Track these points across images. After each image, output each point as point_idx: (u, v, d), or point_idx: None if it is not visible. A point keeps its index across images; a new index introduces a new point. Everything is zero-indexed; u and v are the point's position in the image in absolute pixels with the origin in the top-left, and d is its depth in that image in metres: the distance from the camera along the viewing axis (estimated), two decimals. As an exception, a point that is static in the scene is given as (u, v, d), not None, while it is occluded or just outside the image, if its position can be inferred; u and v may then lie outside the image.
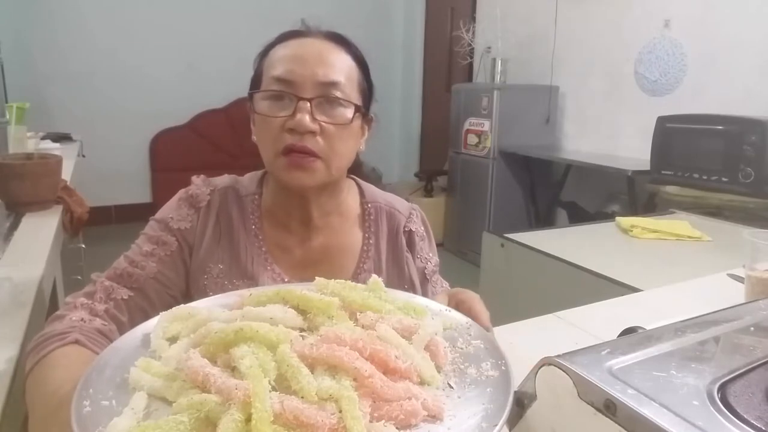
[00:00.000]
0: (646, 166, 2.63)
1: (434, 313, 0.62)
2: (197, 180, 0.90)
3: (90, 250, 2.32)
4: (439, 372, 0.52)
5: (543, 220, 3.91)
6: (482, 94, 3.78)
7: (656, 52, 3.22)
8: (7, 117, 2.19)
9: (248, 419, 0.41)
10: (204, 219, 0.87)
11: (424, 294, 0.92)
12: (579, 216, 3.55)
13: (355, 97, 0.83)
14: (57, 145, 2.88)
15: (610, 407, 0.42)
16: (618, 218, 1.92)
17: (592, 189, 3.64)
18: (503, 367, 0.51)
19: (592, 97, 3.69)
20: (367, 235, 0.92)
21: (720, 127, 2.27)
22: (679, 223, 1.84)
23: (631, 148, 3.35)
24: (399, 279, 0.93)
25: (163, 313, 0.58)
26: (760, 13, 2.73)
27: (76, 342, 0.67)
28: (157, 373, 0.49)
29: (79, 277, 2.09)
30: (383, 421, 0.44)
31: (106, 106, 4.52)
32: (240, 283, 0.84)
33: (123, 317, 0.77)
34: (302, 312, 0.56)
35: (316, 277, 0.62)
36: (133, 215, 3.98)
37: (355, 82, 0.84)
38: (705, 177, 2.28)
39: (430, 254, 0.98)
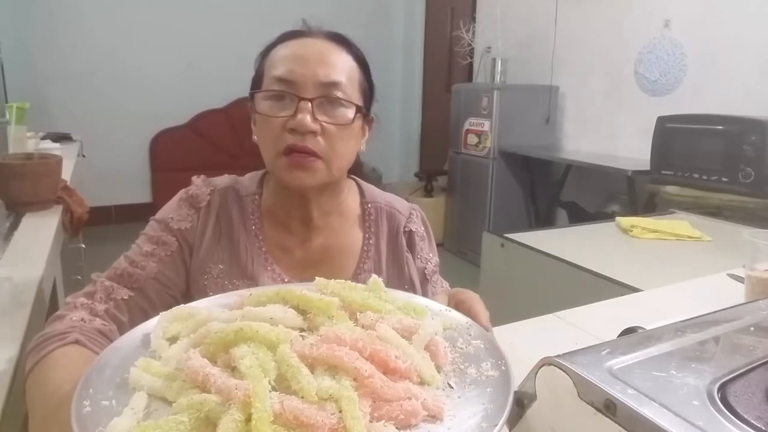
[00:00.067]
0: (646, 166, 2.63)
1: (434, 313, 0.62)
2: (197, 180, 0.90)
3: (90, 250, 2.32)
4: (439, 372, 0.52)
5: (543, 220, 3.91)
6: (482, 94, 3.78)
7: (656, 52, 3.22)
8: (7, 117, 2.19)
9: (248, 419, 0.41)
10: (204, 219, 0.87)
11: (424, 294, 0.92)
12: (579, 216, 3.55)
13: (356, 98, 0.83)
14: (57, 145, 2.88)
15: (610, 407, 0.42)
16: (618, 218, 1.92)
17: (592, 189, 3.64)
18: (503, 367, 0.51)
19: (592, 97, 3.69)
20: (367, 235, 0.92)
21: (720, 127, 2.27)
22: (679, 223, 1.84)
23: (631, 148, 3.35)
24: (399, 279, 0.93)
25: (163, 313, 0.58)
26: (760, 13, 2.73)
27: (77, 342, 0.67)
28: (157, 373, 0.49)
29: (79, 277, 2.09)
30: (383, 421, 0.44)
31: (106, 106, 4.52)
32: (240, 284, 0.84)
33: (123, 317, 0.77)
34: (302, 312, 0.56)
35: (316, 277, 0.62)
36: (133, 215, 3.98)
37: (356, 83, 0.84)
38: (705, 177, 2.28)
39: (430, 254, 0.98)
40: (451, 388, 0.50)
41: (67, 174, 1.90)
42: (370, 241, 0.92)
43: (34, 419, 0.59)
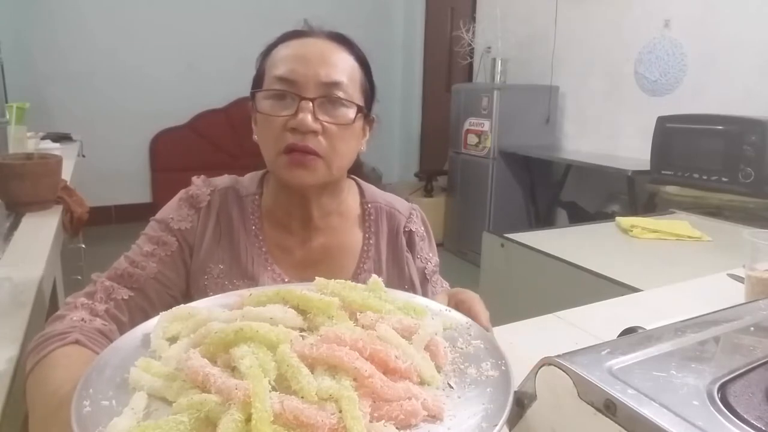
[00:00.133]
0: (646, 166, 2.63)
1: (434, 313, 0.62)
2: (197, 180, 0.90)
3: (90, 250, 2.32)
4: (439, 372, 0.52)
5: (543, 220, 3.91)
6: (482, 94, 3.78)
7: (656, 52, 3.22)
8: (7, 117, 2.19)
9: (248, 419, 0.41)
10: (204, 219, 0.87)
11: (424, 294, 0.92)
12: (579, 216, 3.55)
13: (358, 98, 0.83)
14: (57, 145, 2.88)
15: (610, 407, 0.42)
16: (618, 218, 1.92)
17: (592, 189, 3.64)
18: (503, 367, 0.51)
19: (592, 97, 3.69)
20: (367, 235, 0.92)
21: (720, 127, 2.27)
22: (679, 223, 1.84)
23: (631, 148, 3.35)
24: (399, 279, 0.93)
25: (163, 313, 0.58)
26: (760, 13, 2.73)
27: (77, 342, 0.67)
28: (157, 373, 0.49)
29: (79, 277, 2.09)
30: (383, 421, 0.44)
31: (106, 106, 4.52)
32: (240, 284, 0.84)
33: (123, 317, 0.78)
34: (302, 312, 0.56)
35: (316, 277, 0.62)
36: (133, 215, 3.98)
37: (358, 83, 0.84)
38: (705, 177, 2.28)
39: (430, 254, 0.98)
40: (451, 388, 0.50)
41: (67, 174, 1.90)
42: (370, 241, 0.92)
43: (34, 419, 0.59)
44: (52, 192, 1.60)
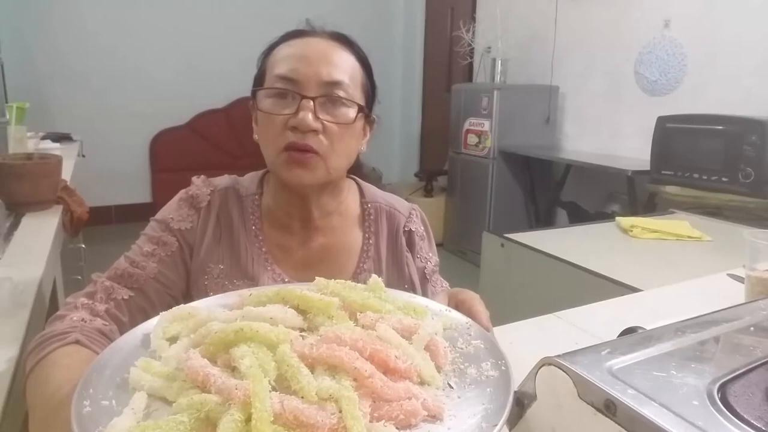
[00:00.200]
0: (646, 166, 2.63)
1: (434, 313, 0.62)
2: (197, 180, 0.90)
3: (90, 250, 2.32)
4: (439, 372, 0.52)
5: (543, 220, 3.91)
6: (482, 94, 3.78)
7: (656, 52, 3.22)
8: (7, 117, 2.18)
9: (248, 419, 0.41)
10: (204, 219, 0.87)
11: (424, 294, 0.92)
12: (579, 216, 3.55)
13: (359, 98, 0.83)
14: (57, 145, 2.88)
15: (610, 407, 0.42)
16: (618, 218, 1.92)
17: (592, 189, 3.64)
18: (503, 367, 0.51)
19: (592, 97, 3.69)
20: (367, 235, 0.92)
21: (720, 127, 2.27)
22: (679, 223, 1.84)
23: (631, 148, 3.35)
24: (399, 279, 0.93)
25: (163, 313, 0.58)
26: (760, 13, 2.73)
27: (77, 342, 0.67)
28: (157, 373, 0.49)
29: (79, 277, 2.09)
30: (383, 421, 0.44)
31: (106, 106, 4.52)
32: (240, 284, 0.84)
33: (123, 317, 0.78)
34: (302, 312, 0.56)
35: (316, 277, 0.62)
36: (133, 215, 3.99)
37: (359, 83, 0.84)
38: (705, 177, 2.28)
39: (430, 254, 0.98)
40: (451, 388, 0.50)
41: (67, 174, 1.90)
42: (370, 241, 0.92)
43: (34, 419, 0.59)
44: (52, 192, 1.60)
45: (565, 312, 1.02)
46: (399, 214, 0.95)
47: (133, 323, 0.73)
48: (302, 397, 0.43)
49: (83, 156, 3.01)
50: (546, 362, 0.47)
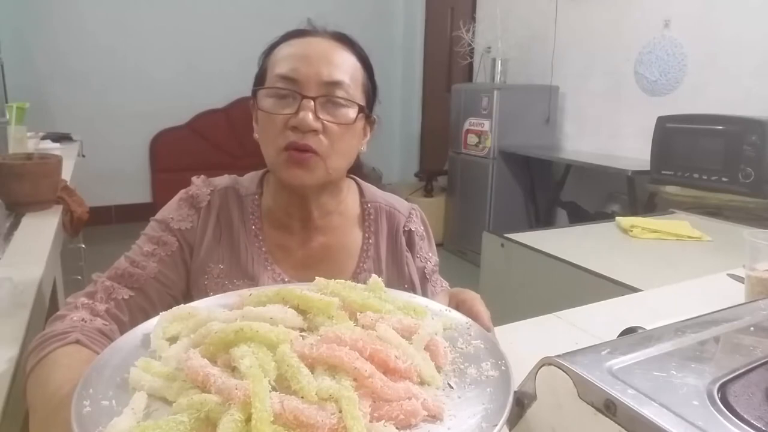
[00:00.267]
0: (646, 166, 2.63)
1: (434, 313, 0.62)
2: (197, 180, 0.90)
3: (90, 250, 2.32)
4: (439, 372, 0.52)
5: (543, 220, 3.91)
6: (482, 94, 3.78)
7: (656, 52, 3.22)
8: (7, 117, 2.18)
9: (248, 419, 0.41)
10: (204, 219, 0.87)
11: (424, 293, 0.92)
12: (579, 216, 3.55)
13: (359, 98, 0.83)
14: (57, 145, 2.88)
15: (610, 407, 0.42)
16: (618, 218, 1.92)
17: (592, 189, 3.64)
18: (503, 367, 0.51)
19: (592, 97, 3.69)
20: (367, 234, 0.92)
21: (720, 127, 2.27)
22: (679, 223, 1.84)
23: (631, 148, 3.35)
24: (399, 279, 0.93)
25: (163, 313, 0.58)
26: (760, 13, 2.73)
27: (77, 342, 0.67)
28: (157, 373, 0.49)
29: (79, 277, 2.09)
30: (383, 421, 0.44)
31: (106, 106, 4.52)
32: (240, 283, 0.84)
33: (124, 317, 0.78)
34: (302, 312, 0.56)
35: (316, 277, 0.62)
36: (133, 215, 3.99)
37: (359, 83, 0.84)
38: (705, 177, 2.28)
39: (430, 254, 0.98)
40: (451, 388, 0.50)
41: (67, 174, 1.90)
42: (370, 241, 0.92)
43: (34, 419, 0.59)
44: (52, 192, 1.60)
45: (565, 312, 1.02)
46: (399, 213, 0.95)
47: (134, 323, 0.73)
48: (302, 397, 0.43)
49: (83, 156, 3.01)
50: (546, 362, 0.47)
